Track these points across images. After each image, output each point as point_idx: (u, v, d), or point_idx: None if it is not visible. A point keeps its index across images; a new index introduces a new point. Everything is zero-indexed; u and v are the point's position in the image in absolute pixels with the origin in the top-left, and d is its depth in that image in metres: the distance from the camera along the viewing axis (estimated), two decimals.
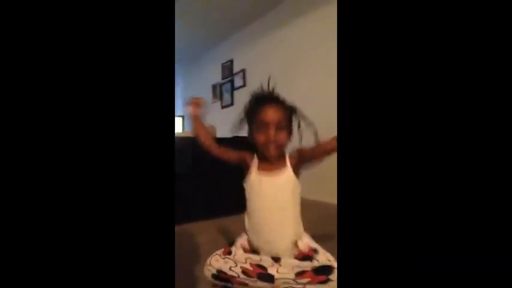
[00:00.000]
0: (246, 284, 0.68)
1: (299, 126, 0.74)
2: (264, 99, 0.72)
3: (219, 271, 0.70)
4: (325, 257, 0.66)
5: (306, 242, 0.70)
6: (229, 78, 3.40)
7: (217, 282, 0.72)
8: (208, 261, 0.73)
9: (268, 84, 0.75)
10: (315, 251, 0.68)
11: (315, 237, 0.76)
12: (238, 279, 0.68)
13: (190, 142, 1.89)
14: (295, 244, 0.69)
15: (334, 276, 0.61)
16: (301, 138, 0.73)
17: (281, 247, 0.69)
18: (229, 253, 0.73)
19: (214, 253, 0.75)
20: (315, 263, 0.65)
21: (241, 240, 0.74)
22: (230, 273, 0.69)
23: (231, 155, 0.80)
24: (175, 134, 2.20)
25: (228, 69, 3.44)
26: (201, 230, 1.57)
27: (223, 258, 0.72)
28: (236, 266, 0.69)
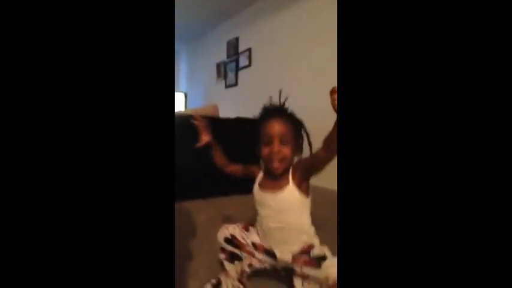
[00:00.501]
0: (253, 255, 0.74)
1: (309, 144, 0.72)
2: (270, 112, 0.71)
3: (233, 236, 0.76)
4: (320, 249, 0.70)
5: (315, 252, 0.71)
6: (235, 57, 3.32)
7: (227, 245, 0.76)
8: (223, 227, 0.79)
9: (280, 98, 0.72)
10: (311, 246, 0.71)
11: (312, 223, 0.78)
12: (247, 248, 0.75)
13: (191, 121, 1.88)
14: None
15: (325, 263, 0.66)
16: (310, 150, 0.72)
17: (286, 257, 0.72)
18: (247, 230, 0.77)
19: (232, 224, 0.80)
20: (312, 253, 0.70)
21: (256, 228, 0.77)
22: (242, 241, 0.75)
23: (240, 170, 0.83)
24: (177, 112, 2.18)
25: (233, 47, 3.35)
26: (200, 209, 1.59)
27: (239, 230, 0.77)
28: (248, 238, 0.76)
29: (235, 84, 3.34)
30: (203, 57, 4.06)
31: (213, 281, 0.81)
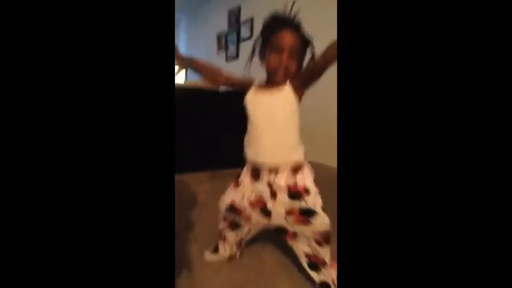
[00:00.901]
0: (250, 218, 0.76)
1: (313, 55, 0.71)
2: (283, 21, 0.69)
3: (232, 204, 0.77)
4: (312, 202, 0.69)
5: (304, 176, 0.71)
6: (236, 27, 3.19)
7: (229, 214, 0.78)
8: (222, 196, 0.80)
9: (291, 9, 0.70)
10: (307, 191, 0.69)
11: None
12: (245, 214, 0.76)
13: (192, 93, 1.86)
14: (296, 169, 0.71)
15: (314, 219, 0.68)
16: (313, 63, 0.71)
17: (278, 158, 0.70)
18: (238, 185, 0.77)
19: (228, 189, 0.80)
20: (303, 204, 0.68)
21: (246, 171, 0.77)
22: (241, 205, 0.75)
23: (235, 80, 0.80)
24: (177, 84, 2.15)
25: (234, 16, 3.21)
26: (200, 181, 1.62)
27: (235, 191, 0.77)
28: (244, 198, 0.75)
29: (237, 56, 3.24)
30: (203, 28, 3.90)
31: (210, 249, 0.85)
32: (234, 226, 0.80)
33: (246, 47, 3.11)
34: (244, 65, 0.74)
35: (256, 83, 0.76)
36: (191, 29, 4.28)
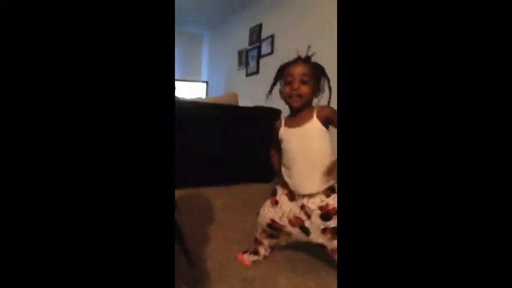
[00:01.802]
0: (291, 234, 0.84)
1: (329, 85, 0.81)
2: (295, 59, 0.80)
3: (272, 220, 0.85)
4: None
5: (335, 200, 0.77)
6: (257, 44, 3.27)
7: (269, 230, 0.86)
8: (261, 211, 0.87)
9: (307, 52, 0.80)
10: (336, 212, 0.77)
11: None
12: (285, 229, 0.84)
13: (211, 108, 1.90)
14: (328, 189, 0.78)
15: None
16: (330, 95, 0.80)
17: (312, 188, 0.78)
18: (277, 203, 0.85)
19: (265, 204, 0.88)
20: (333, 224, 0.77)
21: (282, 190, 0.85)
22: (280, 223, 0.84)
23: (275, 139, 0.88)
24: (199, 99, 2.21)
25: (256, 34, 3.29)
26: (217, 195, 1.63)
27: (273, 209, 0.85)
28: (283, 216, 0.83)
29: (257, 72, 3.30)
30: (225, 45, 4.03)
31: (250, 251, 0.92)
32: (272, 237, 0.89)
33: (266, 63, 3.16)
34: (265, 98, 0.87)
35: (284, 116, 0.86)
36: (213, 45, 4.44)
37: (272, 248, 0.92)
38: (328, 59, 0.84)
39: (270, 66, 3.17)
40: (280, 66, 0.84)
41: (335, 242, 0.77)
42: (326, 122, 0.77)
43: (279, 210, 0.84)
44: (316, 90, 0.80)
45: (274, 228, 0.86)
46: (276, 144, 0.89)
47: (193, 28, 4.26)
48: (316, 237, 0.80)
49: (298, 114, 0.80)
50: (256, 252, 0.92)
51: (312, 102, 0.80)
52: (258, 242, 0.91)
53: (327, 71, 0.82)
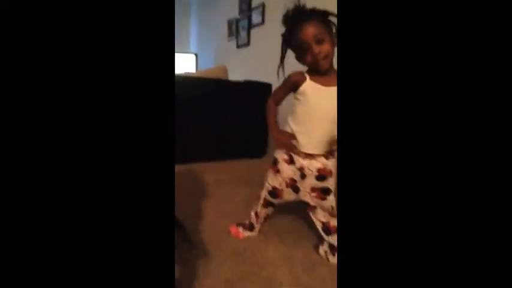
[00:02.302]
0: (283, 196, 0.87)
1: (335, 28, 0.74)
2: (297, 18, 0.73)
3: (274, 187, 0.87)
4: (331, 182, 0.81)
5: (333, 164, 0.80)
6: (247, 14, 3.12)
7: (271, 198, 0.89)
8: (265, 183, 0.90)
9: (298, 1, 0.74)
10: (331, 173, 0.80)
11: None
12: (282, 193, 0.87)
13: (200, 83, 1.85)
14: (329, 153, 0.80)
15: (329, 196, 0.81)
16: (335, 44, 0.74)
17: (319, 149, 0.78)
18: (278, 171, 0.85)
19: (267, 175, 0.89)
20: (324, 184, 0.80)
21: (281, 156, 0.84)
22: (279, 188, 0.86)
23: (284, 93, 0.82)
24: (188, 73, 2.15)
25: (245, 2, 3.13)
26: (209, 170, 1.64)
27: (275, 176, 0.86)
28: (283, 181, 0.85)
29: (248, 43, 3.19)
30: (214, 14, 3.83)
31: (245, 224, 0.96)
32: (269, 205, 0.92)
33: (257, 34, 3.04)
34: (278, 68, 0.79)
35: (307, 73, 0.77)
36: (202, 14, 4.21)
37: (264, 219, 0.95)
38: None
39: (261, 37, 3.06)
40: (284, 34, 0.77)
41: (318, 201, 0.81)
42: None
43: (279, 177, 0.85)
44: (333, 41, 0.72)
45: (274, 195, 0.88)
46: (278, 96, 0.83)
47: None
48: (303, 195, 0.84)
49: (326, 74, 0.74)
50: (251, 228, 0.95)
51: (333, 56, 0.73)
52: (256, 215, 0.94)
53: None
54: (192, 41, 4.51)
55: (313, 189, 0.82)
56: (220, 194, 1.30)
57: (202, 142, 1.79)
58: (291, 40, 0.75)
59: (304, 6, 0.74)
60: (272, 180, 0.87)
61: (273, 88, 0.90)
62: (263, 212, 0.93)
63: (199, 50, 4.18)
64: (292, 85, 0.78)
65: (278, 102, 0.84)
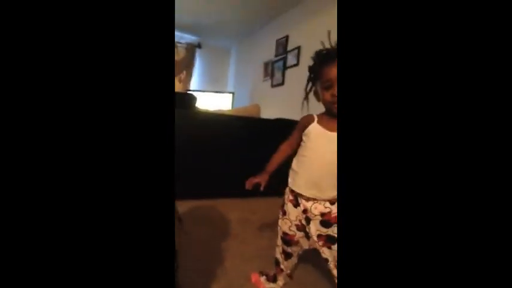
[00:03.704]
0: (298, 242, 0.82)
1: None
2: (327, 57, 0.74)
3: (284, 233, 0.82)
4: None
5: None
6: (283, 56, 3.26)
7: (285, 246, 0.84)
8: (278, 227, 0.85)
9: (329, 39, 0.75)
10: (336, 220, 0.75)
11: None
12: (295, 239, 0.82)
13: (232, 119, 1.90)
14: (333, 199, 0.75)
15: (335, 246, 0.75)
16: None
17: (323, 194, 0.74)
18: (285, 213, 0.82)
19: (280, 218, 0.85)
20: (329, 231, 0.75)
21: (287, 197, 0.81)
22: (290, 233, 0.81)
23: (297, 135, 0.83)
24: (224, 110, 2.23)
25: (282, 46, 3.29)
26: (233, 207, 1.59)
27: (283, 220, 0.82)
28: (292, 225, 0.80)
29: (282, 83, 3.28)
30: (252, 56, 4.08)
31: (271, 273, 0.89)
32: (287, 256, 0.86)
33: (291, 74, 3.14)
34: (301, 105, 0.80)
35: (317, 115, 0.79)
36: (240, 57, 4.52)
37: (291, 274, 0.87)
38: None
39: (295, 77, 3.14)
40: (312, 67, 0.78)
41: (326, 251, 0.75)
42: None
43: (287, 220, 0.81)
44: None
45: (287, 242, 0.83)
46: (290, 139, 0.83)
47: (221, 42, 4.38)
48: (313, 242, 0.78)
49: (336, 118, 0.74)
50: (274, 280, 0.87)
51: None
52: (278, 265, 0.87)
53: None
54: (230, 81, 4.79)
55: (319, 237, 0.76)
56: (243, 235, 1.23)
57: (231, 178, 1.77)
58: (316, 75, 0.77)
59: (335, 45, 0.75)
60: (282, 225, 0.83)
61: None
62: (285, 264, 0.86)
63: (236, 89, 4.40)
64: (303, 127, 0.79)
65: (292, 145, 0.83)
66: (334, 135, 0.73)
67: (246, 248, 1.10)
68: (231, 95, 4.15)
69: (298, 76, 3.01)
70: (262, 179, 0.83)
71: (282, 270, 0.86)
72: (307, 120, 0.79)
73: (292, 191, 0.79)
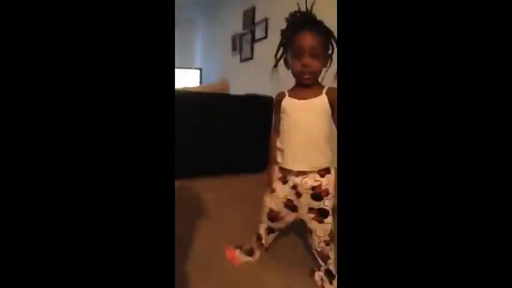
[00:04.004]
0: (283, 218, 0.82)
1: (332, 52, 0.74)
2: (299, 25, 0.71)
3: (271, 209, 0.83)
4: (329, 204, 0.75)
5: (329, 180, 0.75)
6: (250, 29, 3.14)
7: (270, 223, 0.85)
8: (263, 203, 0.85)
9: (306, 5, 0.72)
10: (327, 194, 0.74)
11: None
12: (280, 215, 0.82)
13: (201, 97, 1.82)
14: (323, 171, 0.75)
15: (327, 219, 0.75)
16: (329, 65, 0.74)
17: (308, 166, 0.74)
18: (273, 190, 0.81)
19: (265, 195, 0.85)
20: (321, 205, 0.74)
21: (276, 174, 0.81)
22: (277, 210, 0.82)
23: (278, 117, 0.81)
24: (191, 88, 2.13)
25: (249, 18, 3.15)
26: (209, 187, 1.58)
27: (271, 197, 0.82)
28: (279, 202, 0.81)
29: (251, 57, 3.19)
30: (218, 30, 3.89)
31: (248, 246, 0.89)
32: (271, 231, 0.87)
33: (260, 48, 3.05)
34: (271, 72, 0.77)
35: (288, 88, 0.78)
36: (207, 30, 4.28)
37: (267, 247, 0.89)
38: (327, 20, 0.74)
39: (264, 52, 3.05)
40: (284, 32, 0.74)
41: (316, 224, 0.75)
42: (332, 103, 0.71)
43: (275, 197, 0.81)
44: (326, 61, 0.73)
45: (272, 218, 0.83)
46: (275, 124, 0.82)
47: (186, 13, 4.09)
48: (301, 214, 0.79)
49: (306, 87, 0.73)
50: (250, 253, 0.88)
51: (320, 74, 0.74)
52: (259, 239, 0.87)
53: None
54: (197, 56, 4.56)
55: (310, 210, 0.76)
56: (217, 214, 1.23)
57: (201, 157, 1.73)
58: (288, 40, 0.73)
59: (314, 14, 0.73)
60: (269, 202, 0.83)
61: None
62: (266, 239, 0.87)
63: (204, 65, 4.21)
64: (278, 105, 0.79)
65: (278, 129, 0.81)
66: (306, 102, 0.72)
67: (221, 227, 1.11)
68: (199, 71, 3.98)
69: (267, 50, 2.94)
70: (273, 173, 0.82)
71: (262, 244, 0.87)
72: (279, 97, 0.78)
73: (281, 169, 0.79)
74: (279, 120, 0.80)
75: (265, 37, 2.92)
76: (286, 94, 0.77)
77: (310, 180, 0.74)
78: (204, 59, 4.36)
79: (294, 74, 0.74)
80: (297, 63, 0.70)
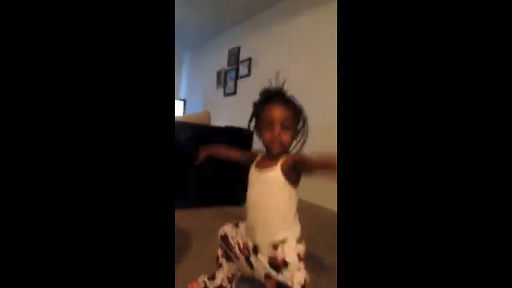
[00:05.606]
0: (238, 258, 0.78)
1: (303, 126, 0.76)
2: (271, 97, 0.74)
3: (225, 235, 0.81)
4: (289, 276, 0.67)
5: (284, 250, 0.69)
6: (235, 66, 3.31)
7: (222, 243, 0.83)
8: (223, 225, 0.85)
9: (277, 79, 0.76)
10: (286, 264, 0.68)
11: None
12: (234, 250, 0.79)
13: (182, 126, 1.84)
14: (276, 245, 0.70)
15: None
16: (302, 139, 0.76)
17: (259, 239, 0.73)
18: (237, 225, 0.81)
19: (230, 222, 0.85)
20: (279, 277, 0.67)
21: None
22: (231, 241, 0.80)
23: (245, 155, 0.85)
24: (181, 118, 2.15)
25: (234, 56, 3.35)
26: (182, 218, 1.53)
27: (232, 228, 0.82)
28: (237, 236, 0.79)
29: (234, 92, 3.32)
30: (204, 65, 4.06)
31: (209, 274, 0.86)
32: (228, 258, 0.83)
33: (243, 84, 3.20)
34: (248, 123, 0.80)
35: (260, 154, 0.79)
36: (193, 64, 4.45)
37: (230, 279, 0.85)
38: (302, 83, 0.80)
39: (247, 88, 3.20)
40: (256, 104, 0.77)
41: None
42: (291, 169, 0.70)
43: (236, 229, 0.80)
44: (296, 134, 0.75)
45: (225, 243, 0.81)
46: (228, 151, 0.87)
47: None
48: (258, 275, 0.73)
49: (272, 158, 0.73)
50: (213, 277, 0.84)
51: (290, 146, 0.75)
52: (217, 264, 0.85)
53: (300, 95, 0.76)
54: (182, 88, 4.67)
55: (267, 277, 0.69)
56: (189, 247, 1.18)
57: (179, 188, 1.70)
58: (260, 110, 0.75)
59: (286, 91, 0.76)
60: (226, 227, 0.82)
61: (254, 136, 0.89)
62: (226, 265, 0.83)
63: (188, 97, 4.30)
64: (246, 159, 0.82)
65: (240, 154, 0.85)
66: (262, 175, 0.72)
67: (192, 260, 1.06)
68: (183, 102, 4.04)
69: (249, 86, 3.08)
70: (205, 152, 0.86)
71: (220, 265, 0.84)
72: (252, 158, 0.79)
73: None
74: (233, 154, 0.85)
75: (248, 75, 3.09)
76: (254, 163, 0.77)
77: (266, 251, 0.70)
78: (189, 90, 4.46)
79: (264, 144, 0.75)
80: (268, 134, 0.71)
